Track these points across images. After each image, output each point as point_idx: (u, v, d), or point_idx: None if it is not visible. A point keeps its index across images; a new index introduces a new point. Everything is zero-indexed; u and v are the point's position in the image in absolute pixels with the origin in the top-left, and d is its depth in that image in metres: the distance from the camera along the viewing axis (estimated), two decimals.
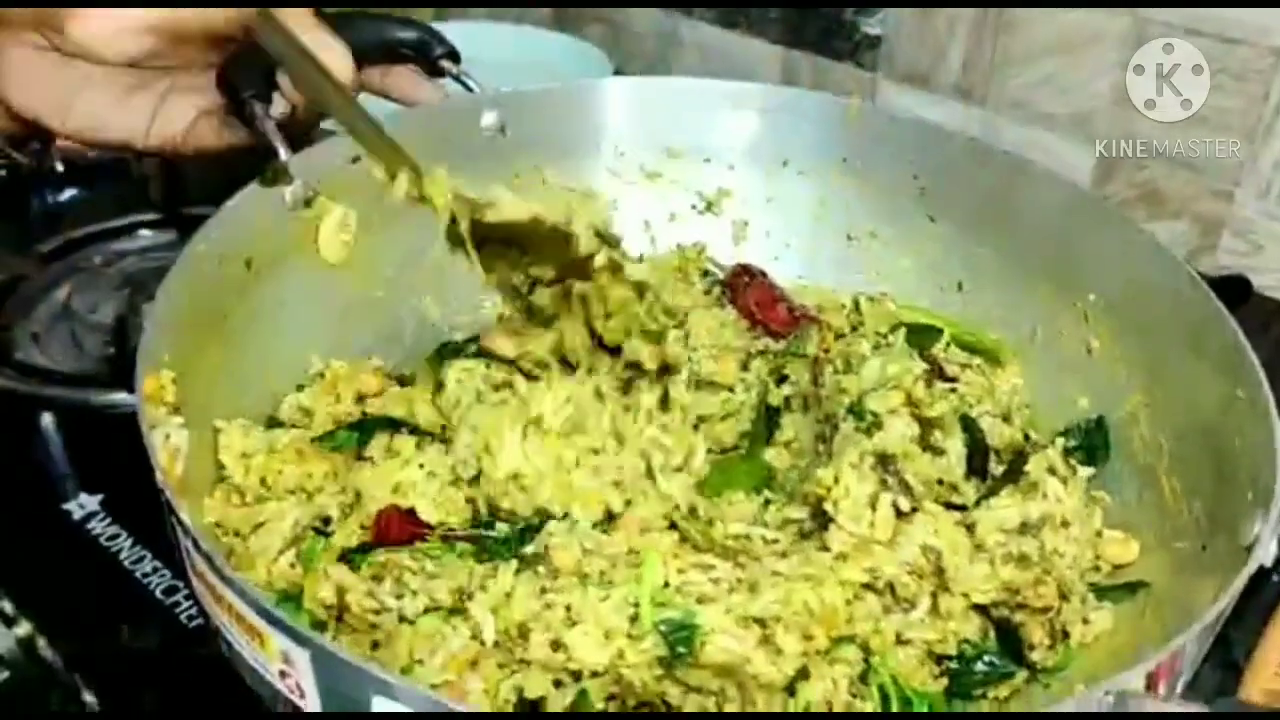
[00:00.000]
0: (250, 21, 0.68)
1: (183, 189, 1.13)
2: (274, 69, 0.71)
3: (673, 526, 0.68)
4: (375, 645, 0.61)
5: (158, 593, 0.75)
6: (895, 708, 0.61)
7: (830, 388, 0.74)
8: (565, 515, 0.66)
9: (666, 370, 0.72)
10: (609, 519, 0.67)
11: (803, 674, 0.60)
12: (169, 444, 0.60)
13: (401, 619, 0.61)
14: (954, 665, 0.64)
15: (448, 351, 0.81)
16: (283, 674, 0.51)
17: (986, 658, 0.64)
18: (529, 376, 0.70)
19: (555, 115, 0.88)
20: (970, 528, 0.65)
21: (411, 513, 0.67)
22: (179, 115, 0.74)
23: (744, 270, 0.89)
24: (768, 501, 0.72)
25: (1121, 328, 0.76)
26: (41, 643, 0.72)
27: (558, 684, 0.58)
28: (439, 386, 0.73)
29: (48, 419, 0.89)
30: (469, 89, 0.84)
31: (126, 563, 0.77)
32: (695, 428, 0.78)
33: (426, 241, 0.83)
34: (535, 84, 0.90)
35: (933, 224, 0.87)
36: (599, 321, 0.69)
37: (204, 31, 0.70)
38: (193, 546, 0.52)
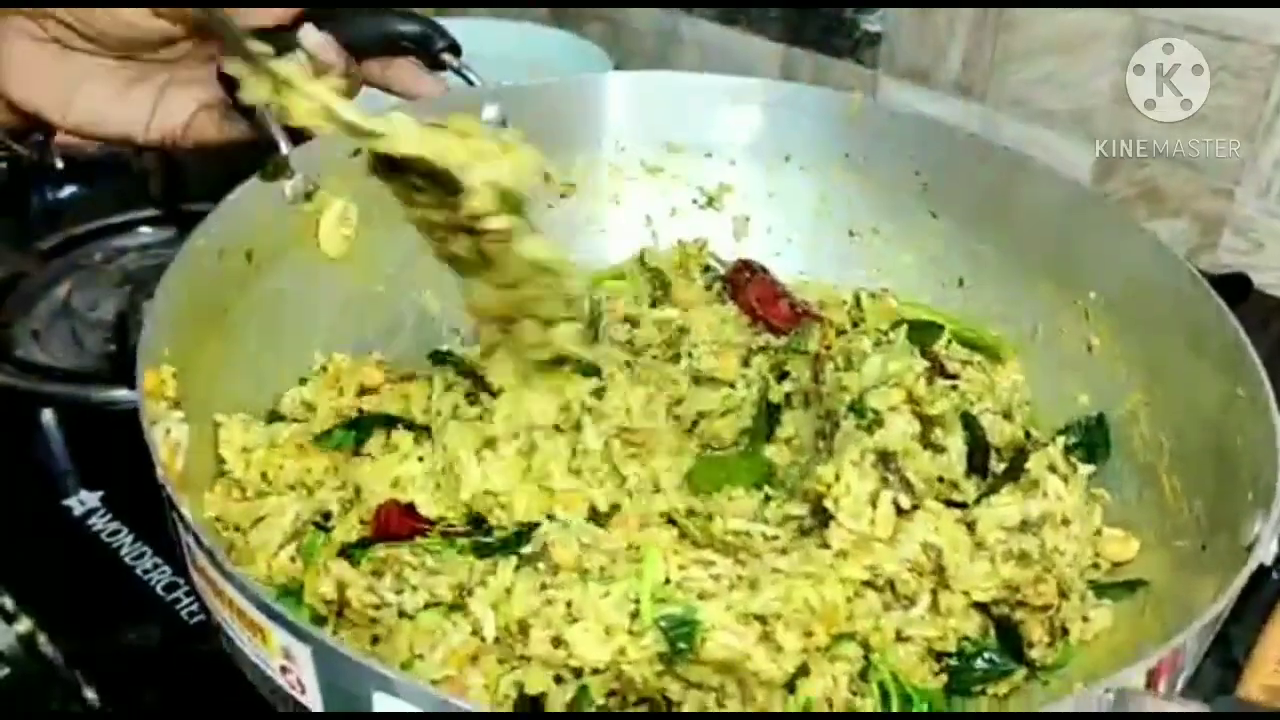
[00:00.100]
0: None
1: (182, 185, 1.13)
2: None
3: (672, 522, 0.68)
4: (375, 640, 0.61)
5: (158, 589, 0.75)
6: (895, 704, 0.61)
7: (831, 385, 0.74)
8: (551, 518, 0.66)
9: (598, 373, 0.70)
10: (595, 518, 0.67)
11: (803, 671, 0.60)
12: (169, 439, 0.60)
13: (402, 614, 0.61)
14: (954, 662, 0.64)
15: (438, 358, 0.82)
16: (284, 669, 0.51)
17: (986, 655, 0.64)
18: (494, 394, 0.70)
19: (556, 109, 0.88)
20: (970, 525, 0.65)
21: (411, 508, 0.68)
22: (179, 108, 0.74)
23: (745, 266, 0.89)
24: (768, 498, 0.72)
25: (1122, 325, 0.76)
26: (42, 639, 0.72)
27: (558, 680, 0.58)
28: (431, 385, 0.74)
29: (48, 416, 0.89)
30: (470, 82, 0.84)
31: (127, 559, 0.77)
32: (693, 426, 0.78)
33: None
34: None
35: (934, 220, 0.87)
36: (501, 290, 0.65)
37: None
38: (194, 542, 0.52)
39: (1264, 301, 1.06)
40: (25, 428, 0.88)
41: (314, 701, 0.51)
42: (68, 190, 1.17)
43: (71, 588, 0.76)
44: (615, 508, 0.68)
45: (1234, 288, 0.99)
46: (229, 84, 0.72)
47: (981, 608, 0.65)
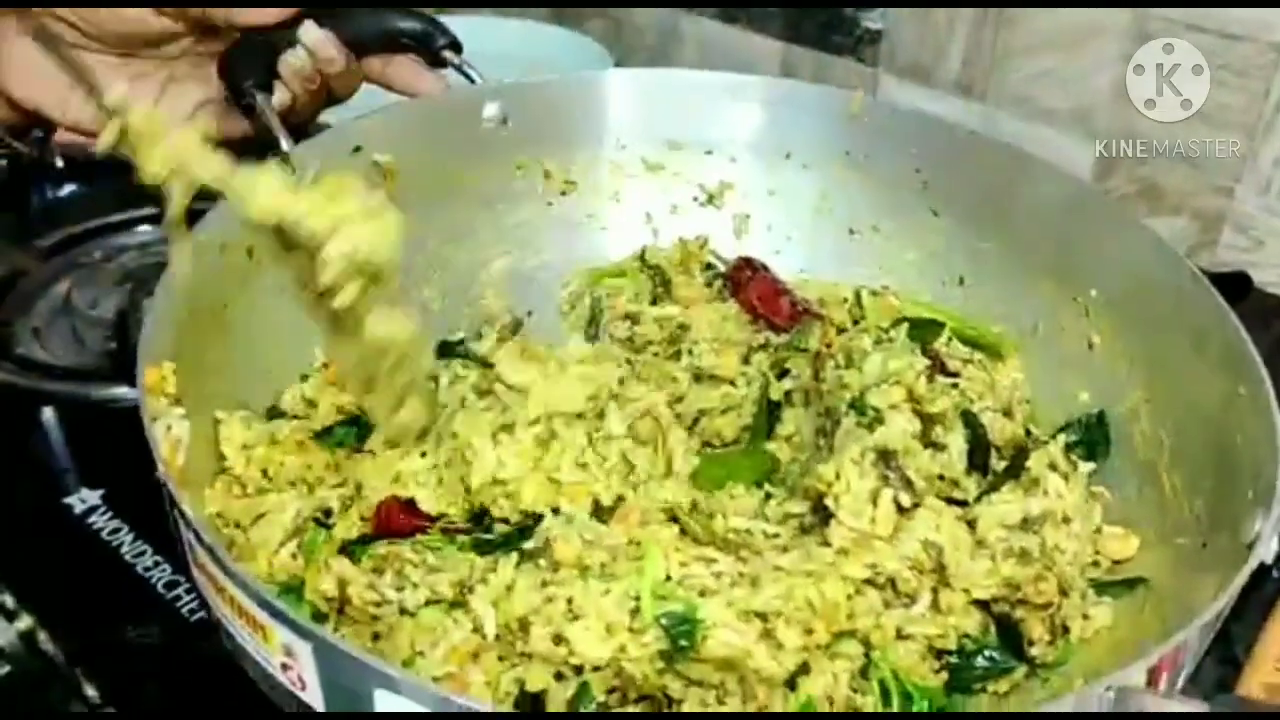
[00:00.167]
0: None
1: None
2: (275, 59, 0.71)
3: (673, 519, 0.68)
4: (376, 637, 0.61)
5: (159, 587, 0.75)
6: (896, 702, 0.61)
7: (832, 382, 0.74)
8: (556, 511, 0.66)
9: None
10: (598, 512, 0.67)
11: (803, 669, 0.60)
12: (170, 435, 0.60)
13: (403, 611, 0.61)
14: (954, 660, 0.64)
15: (445, 350, 0.82)
16: (285, 667, 0.51)
17: (987, 653, 0.64)
18: (509, 385, 0.70)
19: (557, 107, 0.88)
20: (971, 523, 0.65)
21: (412, 504, 0.68)
22: (179, 106, 0.74)
23: (746, 264, 0.89)
24: (769, 496, 0.72)
25: (1123, 323, 0.76)
26: (43, 637, 0.72)
27: (559, 677, 0.58)
28: (436, 381, 0.73)
29: (49, 414, 0.89)
30: (471, 80, 0.84)
31: (128, 557, 0.77)
32: (694, 424, 0.78)
33: (427, 233, 0.84)
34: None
35: (935, 217, 0.87)
36: (363, 356, 0.64)
37: None
38: (194, 539, 0.52)
39: (1264, 299, 1.06)
40: (26, 425, 0.88)
41: (315, 699, 0.51)
42: (68, 188, 1.17)
43: (72, 585, 0.76)
44: (619, 501, 0.68)
45: (1234, 286, 0.99)
46: (230, 80, 0.72)
47: (982, 605, 0.65)
